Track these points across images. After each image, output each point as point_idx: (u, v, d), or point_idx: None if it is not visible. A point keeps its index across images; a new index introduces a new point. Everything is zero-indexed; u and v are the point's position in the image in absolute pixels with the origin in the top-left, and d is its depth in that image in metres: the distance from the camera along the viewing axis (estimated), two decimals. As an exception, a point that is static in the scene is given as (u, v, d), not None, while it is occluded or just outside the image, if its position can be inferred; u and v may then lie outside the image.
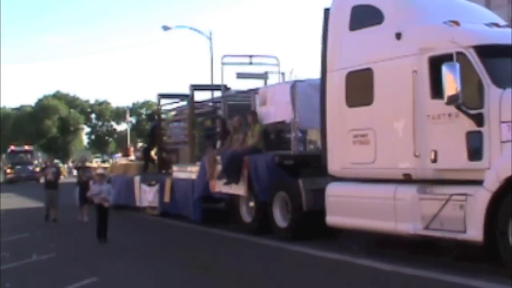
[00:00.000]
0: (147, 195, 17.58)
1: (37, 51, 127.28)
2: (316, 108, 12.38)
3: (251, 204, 13.11)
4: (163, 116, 18.64)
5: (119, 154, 22.89)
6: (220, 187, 13.67)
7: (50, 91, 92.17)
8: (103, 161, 59.97)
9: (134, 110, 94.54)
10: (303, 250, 10.77)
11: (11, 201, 26.01)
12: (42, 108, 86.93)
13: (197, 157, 16.08)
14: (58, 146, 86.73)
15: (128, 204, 18.68)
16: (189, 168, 15.63)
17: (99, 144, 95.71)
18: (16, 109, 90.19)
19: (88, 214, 16.71)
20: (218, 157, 13.78)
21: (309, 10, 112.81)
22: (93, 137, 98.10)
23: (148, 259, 10.69)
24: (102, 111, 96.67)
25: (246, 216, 13.29)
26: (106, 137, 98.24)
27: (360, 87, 10.30)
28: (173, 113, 18.76)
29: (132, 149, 23.52)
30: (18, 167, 44.78)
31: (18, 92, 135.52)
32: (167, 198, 16.21)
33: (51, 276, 9.48)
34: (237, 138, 13.58)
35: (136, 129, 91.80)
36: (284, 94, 12.50)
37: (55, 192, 16.87)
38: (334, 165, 10.78)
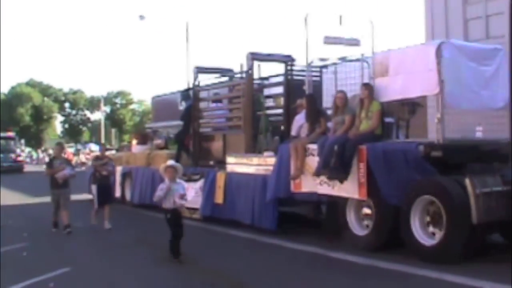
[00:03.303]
0: (183, 194, 13.28)
1: (11, 38, 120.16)
2: (466, 80, 8.64)
3: (366, 210, 9.12)
4: (201, 94, 14.32)
5: (134, 141, 18.26)
6: (313, 186, 9.64)
7: (24, 79, 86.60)
8: (77, 151, 54.89)
9: (109, 99, 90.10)
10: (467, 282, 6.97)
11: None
12: (15, 96, 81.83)
13: (260, 145, 12.03)
14: (31, 135, 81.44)
15: (154, 204, 13.76)
16: (254, 160, 11.49)
17: (72, 133, 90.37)
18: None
19: (109, 219, 12.34)
20: (310, 146, 9.77)
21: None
22: (66, 126, 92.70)
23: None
24: (76, 100, 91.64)
25: (356, 227, 9.26)
26: (80, 126, 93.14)
27: None
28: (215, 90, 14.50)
29: (150, 135, 19.10)
30: None
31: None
32: (219, 199, 12.00)
33: (23, 266, 8.70)
34: (340, 121, 9.54)
35: (110, 118, 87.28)
36: (424, 59, 8.52)
37: (65, 192, 12.10)
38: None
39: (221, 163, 13.21)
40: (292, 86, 12.34)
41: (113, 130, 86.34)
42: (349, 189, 8.97)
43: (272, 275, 7.77)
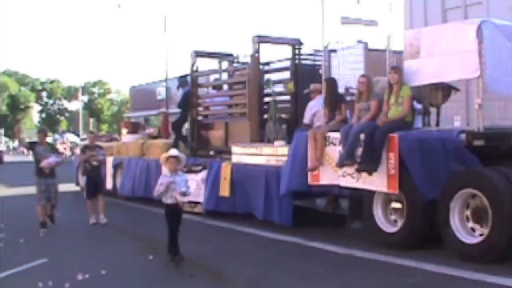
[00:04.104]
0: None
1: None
2: (505, 63, 7.80)
3: (395, 205, 8.25)
4: (200, 79, 13.31)
5: (124, 131, 17.14)
6: (334, 178, 8.76)
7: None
8: (54, 140, 53.36)
9: (86, 89, 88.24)
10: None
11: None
12: (-9, 85, 79.14)
13: (268, 134, 11.11)
14: (7, 124, 79.16)
15: (149, 197, 12.18)
16: (264, 150, 10.56)
17: (50, 123, 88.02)
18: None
19: (104, 212, 11.33)
20: (331, 134, 8.87)
21: None
22: (43, 115, 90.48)
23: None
24: (53, 89, 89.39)
25: (383, 223, 8.37)
26: (57, 116, 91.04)
27: None
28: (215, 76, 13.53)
29: (141, 124, 17.98)
30: None
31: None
32: (225, 191, 11.04)
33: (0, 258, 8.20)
34: (365, 107, 8.65)
35: (88, 108, 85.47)
36: (462, 39, 7.67)
37: (52, 183, 10.96)
38: None
39: (222, 153, 12.31)
40: (301, 71, 11.51)
41: (91, 120, 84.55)
42: (376, 181, 8.09)
43: (252, 265, 7.53)
